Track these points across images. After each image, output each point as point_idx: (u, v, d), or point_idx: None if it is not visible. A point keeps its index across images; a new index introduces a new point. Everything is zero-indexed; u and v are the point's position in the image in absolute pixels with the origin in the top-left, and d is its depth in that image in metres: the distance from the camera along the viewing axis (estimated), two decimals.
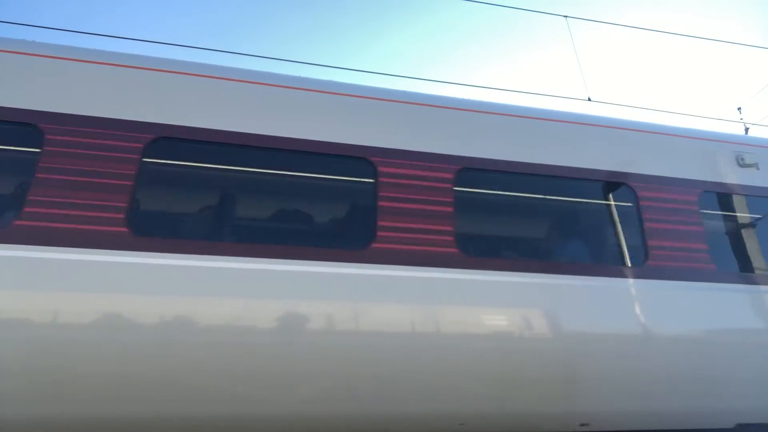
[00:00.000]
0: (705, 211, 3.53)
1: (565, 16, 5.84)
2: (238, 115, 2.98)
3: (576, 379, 2.90)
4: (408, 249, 2.89)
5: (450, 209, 3.06)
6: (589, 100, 5.35)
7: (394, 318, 2.72)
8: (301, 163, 3.07)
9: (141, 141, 2.78)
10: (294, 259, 2.71)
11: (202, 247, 2.62)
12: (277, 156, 3.00)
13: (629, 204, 3.43)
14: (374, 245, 2.86)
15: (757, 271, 3.49)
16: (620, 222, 3.41)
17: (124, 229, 2.58)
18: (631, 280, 3.13)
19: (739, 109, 12.32)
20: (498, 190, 3.41)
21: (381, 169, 3.06)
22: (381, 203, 2.97)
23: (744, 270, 3.45)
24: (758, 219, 3.68)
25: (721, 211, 3.65)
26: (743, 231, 3.66)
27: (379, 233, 2.89)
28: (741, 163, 3.74)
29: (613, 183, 3.45)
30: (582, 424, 3.01)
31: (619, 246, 3.41)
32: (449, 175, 3.15)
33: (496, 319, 2.86)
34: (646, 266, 3.21)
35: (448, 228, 3.00)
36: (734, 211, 3.67)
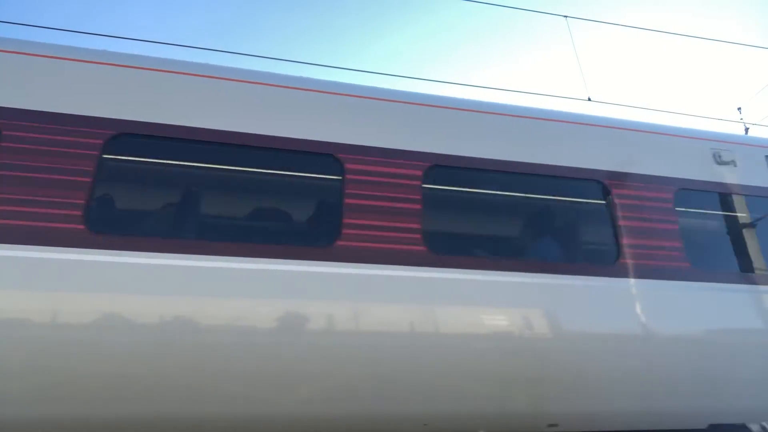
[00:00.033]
0: (681, 209, 3.48)
1: (565, 16, 5.83)
2: (199, 111, 2.96)
3: (544, 378, 2.87)
4: (374, 246, 2.87)
5: (418, 206, 3.04)
6: (589, 100, 5.33)
7: (359, 316, 2.70)
8: (266, 160, 3.06)
9: (101, 137, 2.78)
10: (257, 257, 2.69)
11: (162, 245, 2.61)
12: (241, 152, 2.99)
13: (602, 202, 3.40)
14: (339, 243, 2.84)
15: (732, 269, 3.44)
16: (593, 220, 3.37)
17: (81, 227, 2.58)
18: (602, 279, 3.09)
19: (739, 109, 12.23)
20: (468, 188, 3.38)
21: (348, 165, 3.05)
22: (347, 200, 2.95)
23: (719, 268, 3.40)
24: (735, 216, 3.62)
25: (698, 208, 3.60)
26: (719, 229, 3.62)
27: (345, 231, 2.88)
28: (718, 161, 3.69)
29: (584, 180, 3.42)
30: (550, 425, 2.98)
31: (591, 244, 3.37)
32: (418, 172, 3.13)
33: (465, 318, 2.83)
34: (618, 264, 3.17)
35: (416, 225, 2.98)
36: (711, 209, 3.63)
